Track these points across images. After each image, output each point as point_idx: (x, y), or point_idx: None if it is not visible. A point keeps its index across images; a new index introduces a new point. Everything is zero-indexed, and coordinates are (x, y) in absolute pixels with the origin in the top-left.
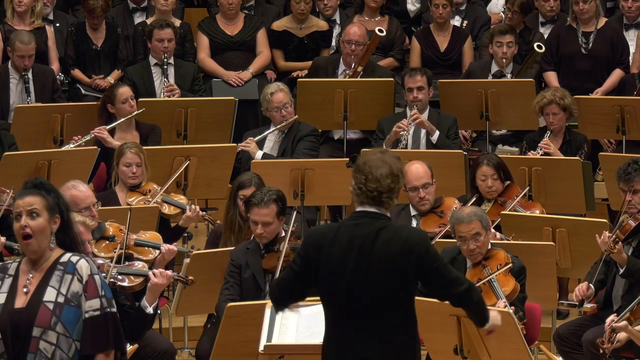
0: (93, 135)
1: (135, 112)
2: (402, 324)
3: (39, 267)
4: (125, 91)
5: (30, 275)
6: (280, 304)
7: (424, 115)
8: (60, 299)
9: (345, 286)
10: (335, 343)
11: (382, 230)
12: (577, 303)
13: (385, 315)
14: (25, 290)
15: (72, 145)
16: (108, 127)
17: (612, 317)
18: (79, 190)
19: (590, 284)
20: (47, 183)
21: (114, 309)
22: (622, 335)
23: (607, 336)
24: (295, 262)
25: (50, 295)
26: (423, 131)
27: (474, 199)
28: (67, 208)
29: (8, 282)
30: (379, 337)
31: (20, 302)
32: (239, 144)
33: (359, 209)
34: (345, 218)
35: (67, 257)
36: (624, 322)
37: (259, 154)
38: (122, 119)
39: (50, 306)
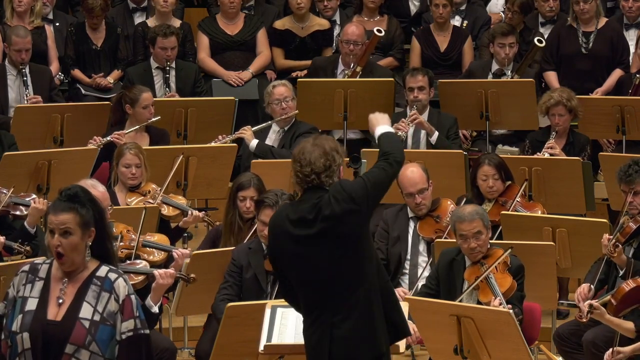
0: (112, 140)
1: (153, 119)
2: (367, 289)
3: (73, 277)
4: (148, 97)
5: (64, 285)
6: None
7: (424, 116)
8: (96, 317)
9: (303, 264)
10: (309, 328)
11: (316, 202)
12: (577, 304)
13: (347, 285)
14: (59, 301)
15: (91, 146)
16: (126, 132)
17: (594, 301)
18: (98, 190)
19: (592, 286)
20: (82, 194)
21: (147, 331)
22: (626, 349)
23: (585, 312)
24: (274, 266)
25: (86, 312)
26: (423, 132)
27: (464, 199)
28: (102, 217)
29: (39, 285)
30: (348, 312)
31: (53, 313)
32: (235, 132)
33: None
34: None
35: (104, 271)
36: (602, 309)
37: (254, 142)
38: (140, 125)
39: (86, 324)
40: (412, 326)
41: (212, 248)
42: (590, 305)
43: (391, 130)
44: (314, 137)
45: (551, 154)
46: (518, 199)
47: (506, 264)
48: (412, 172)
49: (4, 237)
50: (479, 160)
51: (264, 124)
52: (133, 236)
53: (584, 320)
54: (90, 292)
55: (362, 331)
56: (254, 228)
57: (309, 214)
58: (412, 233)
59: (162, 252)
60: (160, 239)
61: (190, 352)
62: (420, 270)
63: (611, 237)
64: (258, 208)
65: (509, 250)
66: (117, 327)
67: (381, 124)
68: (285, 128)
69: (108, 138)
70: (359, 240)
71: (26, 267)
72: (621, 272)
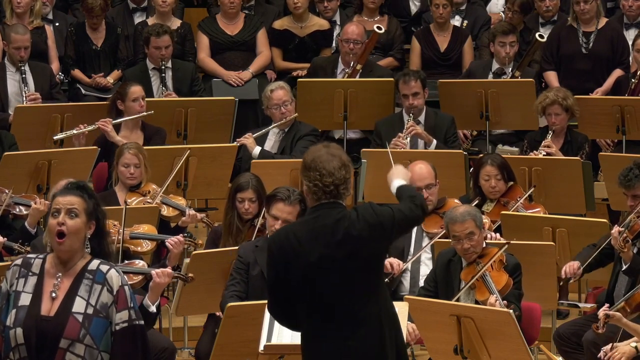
0: (97, 126)
1: (144, 113)
2: (379, 308)
3: (66, 271)
4: (137, 90)
5: (58, 280)
6: (295, 325)
7: (421, 118)
8: (89, 310)
9: (320, 281)
10: (319, 341)
11: (340, 219)
12: (568, 278)
13: (362, 302)
14: (53, 295)
15: (75, 131)
16: (114, 121)
17: (606, 305)
18: None
19: (581, 267)
20: (89, 188)
21: (142, 322)
22: (628, 351)
23: (602, 322)
24: (273, 286)
25: (79, 306)
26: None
27: (476, 200)
28: (104, 216)
29: (32, 280)
30: (361, 327)
31: (46, 308)
32: (237, 139)
33: (314, 204)
34: (304, 216)
35: (95, 264)
36: (618, 314)
37: (257, 149)
38: (130, 117)
39: (80, 318)
40: (411, 326)
41: (213, 249)
42: (607, 315)
43: (407, 183)
44: (324, 145)
45: (547, 153)
46: (522, 201)
47: (502, 262)
48: (420, 168)
49: (5, 237)
50: (482, 160)
51: (264, 130)
52: (120, 230)
53: (601, 331)
54: (83, 286)
55: (372, 343)
56: (257, 228)
57: (334, 234)
58: (416, 229)
59: (152, 242)
60: (149, 229)
61: (190, 352)
62: (422, 267)
63: (622, 229)
64: (269, 203)
65: (505, 247)
66: (112, 318)
67: (396, 178)
68: (285, 130)
69: (94, 125)
70: (378, 262)
71: (19, 261)
72: (624, 267)
